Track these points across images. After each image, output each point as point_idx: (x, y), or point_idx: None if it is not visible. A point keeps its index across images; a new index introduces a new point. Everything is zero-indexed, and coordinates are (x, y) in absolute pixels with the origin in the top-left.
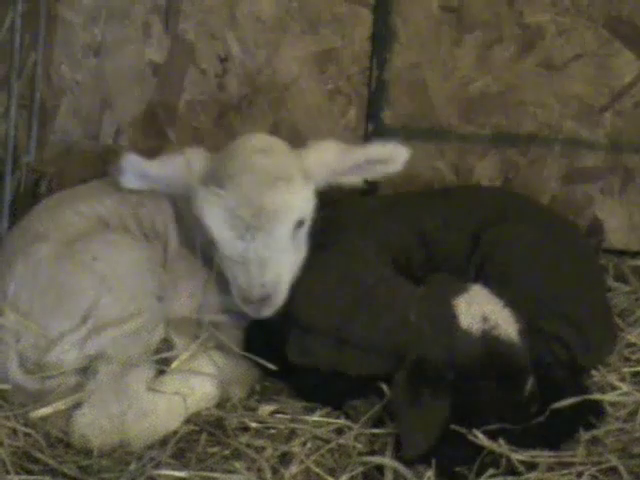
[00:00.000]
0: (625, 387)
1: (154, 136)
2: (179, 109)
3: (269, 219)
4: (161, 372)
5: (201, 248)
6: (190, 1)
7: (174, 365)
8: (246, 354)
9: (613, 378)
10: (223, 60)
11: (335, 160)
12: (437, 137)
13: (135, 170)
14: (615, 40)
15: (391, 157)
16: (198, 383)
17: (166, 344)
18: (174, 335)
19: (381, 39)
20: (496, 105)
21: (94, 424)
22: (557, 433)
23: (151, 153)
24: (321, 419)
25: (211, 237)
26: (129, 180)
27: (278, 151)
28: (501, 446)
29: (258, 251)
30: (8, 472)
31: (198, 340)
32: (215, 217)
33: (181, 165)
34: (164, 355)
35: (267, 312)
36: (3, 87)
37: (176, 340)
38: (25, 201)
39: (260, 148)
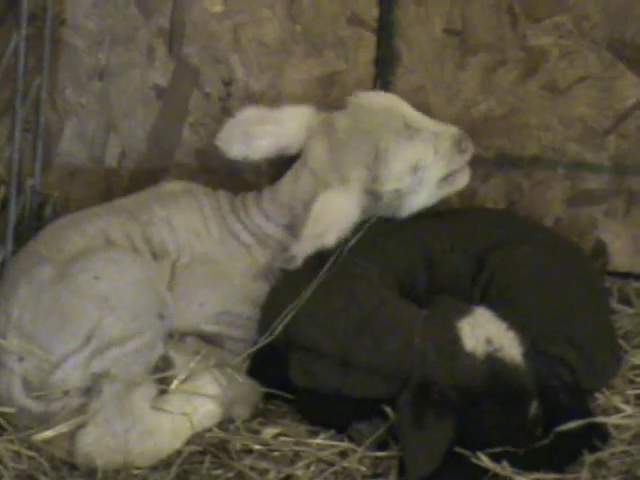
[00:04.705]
0: (629, 410)
1: (158, 159)
2: (183, 132)
3: None
4: (162, 391)
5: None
6: (194, 25)
7: (173, 385)
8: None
9: (617, 401)
10: (227, 84)
11: None
12: None
13: None
14: (619, 62)
15: None
16: (201, 402)
17: (165, 362)
18: (173, 353)
19: (385, 62)
20: (500, 128)
21: (98, 443)
22: (561, 456)
23: (155, 176)
24: (325, 442)
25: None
26: None
27: None
28: (505, 469)
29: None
30: None
31: (196, 358)
32: None
33: None
34: (165, 374)
35: None
36: (7, 111)
37: (176, 358)
38: (30, 224)
39: None
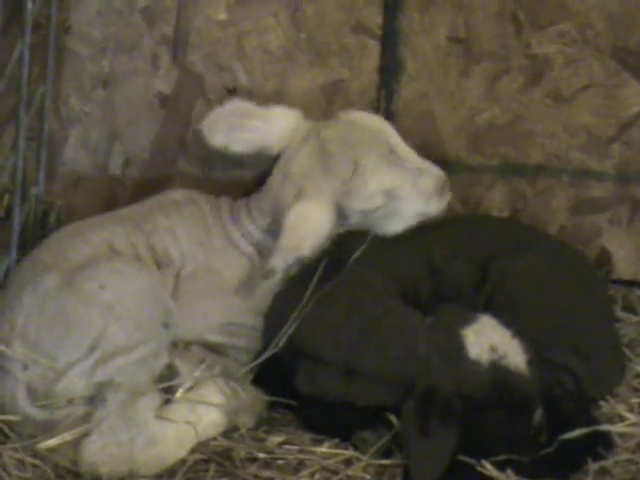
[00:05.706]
0: (633, 418)
1: (162, 167)
2: (187, 140)
3: None
4: (166, 400)
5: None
6: (198, 33)
7: (178, 394)
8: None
9: (621, 409)
10: (231, 91)
11: None
12: (445, 168)
13: None
14: (623, 71)
15: None
16: (205, 411)
17: (170, 371)
18: (178, 362)
19: (389, 70)
20: (504, 136)
21: (103, 452)
22: (565, 464)
23: (159, 185)
24: (330, 450)
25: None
26: None
27: None
28: (509, 477)
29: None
30: None
31: (201, 367)
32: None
33: None
34: (169, 384)
35: None
36: (12, 119)
37: (181, 367)
38: (34, 233)
39: None
